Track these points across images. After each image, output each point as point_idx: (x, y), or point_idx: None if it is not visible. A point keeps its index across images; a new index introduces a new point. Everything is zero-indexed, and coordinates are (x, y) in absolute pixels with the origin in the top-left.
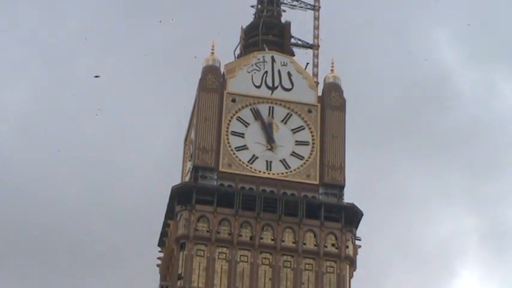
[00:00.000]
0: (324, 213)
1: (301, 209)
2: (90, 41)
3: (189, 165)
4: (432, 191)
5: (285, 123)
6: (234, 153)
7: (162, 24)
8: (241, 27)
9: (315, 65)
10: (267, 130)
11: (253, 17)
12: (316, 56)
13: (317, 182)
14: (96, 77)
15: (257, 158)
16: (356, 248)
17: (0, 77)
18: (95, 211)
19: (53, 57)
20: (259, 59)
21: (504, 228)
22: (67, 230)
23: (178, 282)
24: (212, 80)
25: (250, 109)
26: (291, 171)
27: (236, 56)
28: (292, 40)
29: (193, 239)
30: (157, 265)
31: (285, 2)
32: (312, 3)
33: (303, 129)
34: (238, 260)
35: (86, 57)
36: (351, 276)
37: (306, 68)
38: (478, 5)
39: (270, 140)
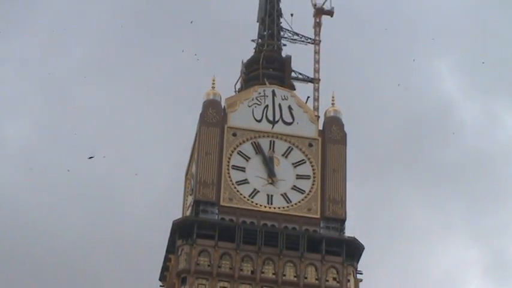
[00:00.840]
0: (325, 247)
1: (303, 243)
2: (90, 76)
3: (190, 199)
4: (434, 222)
5: (286, 157)
6: (235, 187)
7: (162, 58)
8: (242, 61)
9: (316, 99)
10: (268, 164)
11: (253, 51)
12: (316, 89)
13: (318, 216)
14: (90, 158)
15: (258, 192)
16: (357, 281)
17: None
18: (97, 245)
19: (53, 91)
20: (260, 93)
21: (506, 260)
22: (69, 263)
23: None
24: (213, 114)
25: (251, 143)
26: (292, 205)
27: (237, 90)
28: (293, 74)
29: (195, 273)
30: None
31: (286, 36)
32: (313, 37)
33: (304, 163)
34: None
35: (85, 92)
36: None
37: (306, 102)
38: (477, 36)
39: (271, 174)
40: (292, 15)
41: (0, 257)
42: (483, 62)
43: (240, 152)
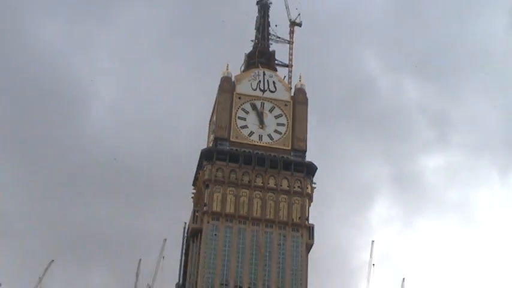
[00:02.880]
0: (293, 167)
1: (280, 164)
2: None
3: (211, 136)
4: (362, 150)
5: (271, 112)
6: (239, 130)
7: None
8: (245, 53)
9: (290, 77)
10: (260, 116)
11: (252, 47)
12: (290, 71)
13: (289, 148)
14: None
15: (253, 133)
16: (312, 188)
17: None
18: (155, 162)
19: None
20: (255, 73)
21: (409, 174)
22: (135, 171)
23: (204, 208)
24: (227, 86)
25: (250, 103)
26: (274, 141)
27: (241, 70)
28: (276, 61)
29: (214, 181)
30: (192, 197)
31: (272, 38)
32: (288, 39)
33: (281, 116)
34: (241, 195)
35: (154, 69)
36: (309, 206)
37: (284, 79)
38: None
39: (261, 122)
40: (276, 25)
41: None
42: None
43: (243, 108)
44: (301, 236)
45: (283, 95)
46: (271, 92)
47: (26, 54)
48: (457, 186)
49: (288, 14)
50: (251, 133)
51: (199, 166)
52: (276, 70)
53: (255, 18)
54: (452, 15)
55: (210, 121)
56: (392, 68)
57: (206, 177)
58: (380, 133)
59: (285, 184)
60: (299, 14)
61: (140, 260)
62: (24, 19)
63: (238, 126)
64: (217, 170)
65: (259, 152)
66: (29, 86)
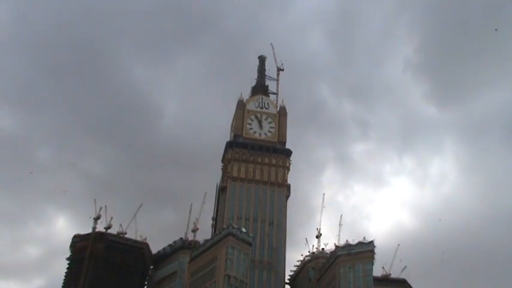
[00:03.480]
0: (279, 151)
1: (271, 150)
2: None
3: (232, 134)
4: (316, 141)
5: (266, 120)
6: (248, 130)
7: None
8: (251, 86)
9: (277, 100)
10: (260, 123)
11: (255, 81)
12: (277, 97)
13: (276, 141)
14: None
15: (256, 132)
16: (289, 164)
17: None
18: (204, 147)
19: None
20: (258, 98)
21: (345, 156)
22: (190, 152)
23: (228, 174)
24: (241, 105)
25: (254, 115)
26: (267, 137)
27: (249, 96)
28: (269, 91)
29: (233, 160)
30: (221, 168)
31: (266, 77)
32: (276, 78)
33: (272, 122)
34: (248, 167)
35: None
36: (288, 173)
37: (273, 101)
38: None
39: (260, 126)
40: (269, 70)
41: None
42: None
43: (250, 118)
44: (283, 191)
45: (273, 110)
46: (266, 109)
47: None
48: (373, 163)
49: (276, 63)
50: (254, 132)
51: (225, 151)
52: (269, 96)
53: (257, 67)
54: (369, 60)
55: (231, 125)
56: (336, 93)
57: (229, 157)
58: (328, 131)
59: (273, 161)
60: (282, 63)
61: (191, 204)
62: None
63: (247, 128)
64: (235, 153)
65: (260, 144)
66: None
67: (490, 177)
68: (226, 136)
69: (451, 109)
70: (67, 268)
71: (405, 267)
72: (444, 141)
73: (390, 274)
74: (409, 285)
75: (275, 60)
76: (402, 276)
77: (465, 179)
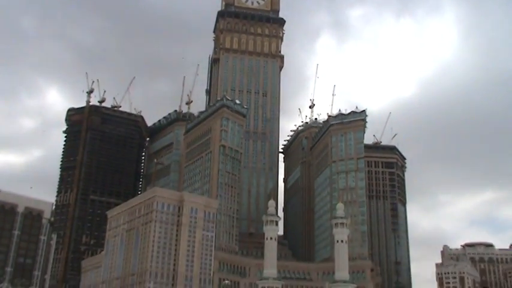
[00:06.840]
0: (272, 21)
1: (263, 18)
2: None
3: (223, 3)
4: (309, 12)
5: None
6: None
7: None
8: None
9: None
10: None
11: None
12: None
13: (269, 9)
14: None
15: (247, 0)
16: (283, 33)
17: None
18: (195, 16)
19: None
20: None
21: (343, 22)
22: (183, 23)
23: (220, 46)
24: None
25: None
26: (260, 5)
27: None
28: None
29: (226, 30)
30: (213, 39)
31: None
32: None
33: None
34: (241, 38)
35: None
36: (281, 44)
37: None
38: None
39: None
40: None
41: None
42: None
43: None
44: (276, 61)
45: None
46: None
47: None
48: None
49: None
50: (246, 0)
51: (217, 21)
52: None
53: None
54: None
55: None
56: None
57: (221, 27)
58: None
59: (267, 31)
60: None
61: (184, 77)
62: None
63: None
64: (227, 23)
65: (251, 12)
66: None
67: (489, 42)
68: (218, 6)
69: None
70: (64, 141)
71: (395, 134)
72: (444, 2)
73: (381, 142)
74: (398, 151)
75: None
76: (392, 143)
77: (464, 43)
